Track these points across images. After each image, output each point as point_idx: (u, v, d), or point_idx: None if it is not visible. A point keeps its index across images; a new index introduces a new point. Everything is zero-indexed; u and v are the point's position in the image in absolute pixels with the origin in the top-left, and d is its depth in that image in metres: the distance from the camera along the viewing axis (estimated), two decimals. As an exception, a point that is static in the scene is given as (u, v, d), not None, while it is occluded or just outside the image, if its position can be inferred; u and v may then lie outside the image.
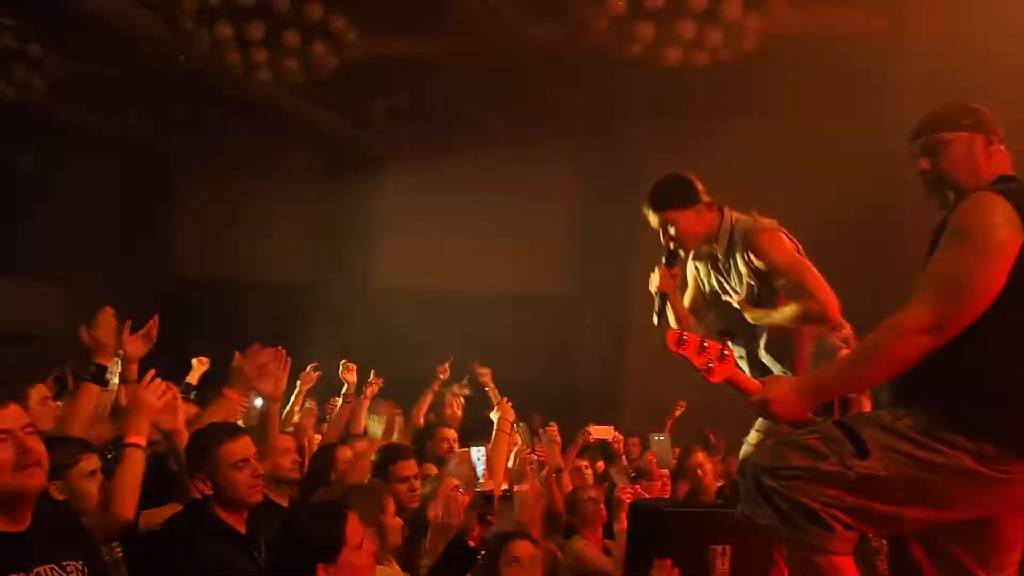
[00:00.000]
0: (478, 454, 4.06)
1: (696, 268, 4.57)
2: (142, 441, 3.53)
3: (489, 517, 3.63)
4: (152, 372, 3.73)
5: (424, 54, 11.97)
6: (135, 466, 3.47)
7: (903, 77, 9.15)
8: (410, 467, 4.91)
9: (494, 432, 5.77)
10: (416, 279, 15.29)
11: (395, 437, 7.02)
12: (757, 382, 3.27)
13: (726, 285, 4.34)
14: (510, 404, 6.06)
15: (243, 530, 3.57)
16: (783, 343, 4.22)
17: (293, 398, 6.54)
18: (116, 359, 4.43)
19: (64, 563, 2.81)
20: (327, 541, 3.12)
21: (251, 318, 13.99)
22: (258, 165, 16.33)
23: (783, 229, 4.25)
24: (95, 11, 10.95)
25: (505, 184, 14.61)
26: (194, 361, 6.48)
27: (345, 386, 6.72)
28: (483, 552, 3.80)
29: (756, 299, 4.22)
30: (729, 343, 3.24)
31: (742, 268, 4.22)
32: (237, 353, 4.45)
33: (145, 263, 17.22)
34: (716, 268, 4.39)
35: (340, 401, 6.79)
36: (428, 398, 7.90)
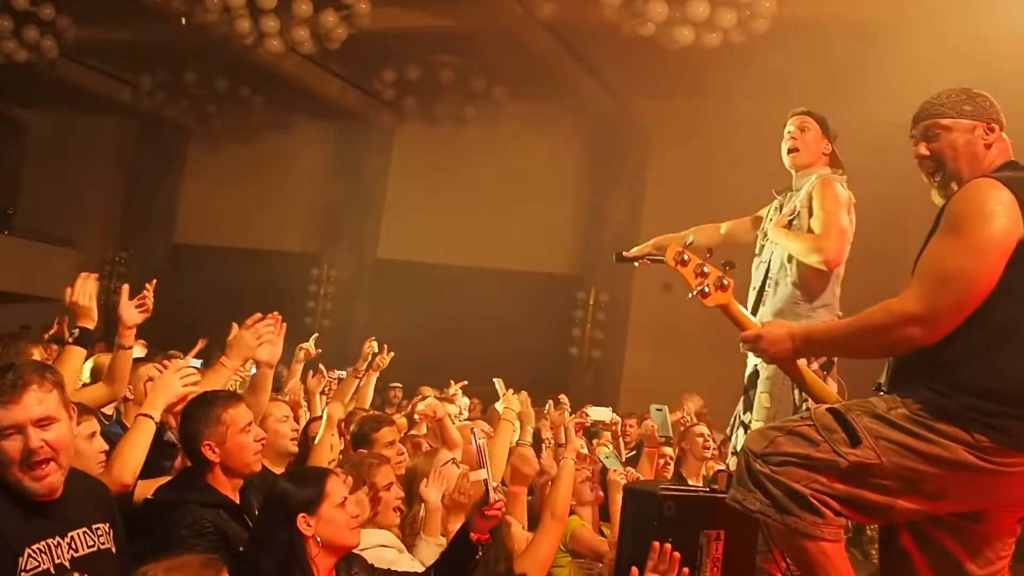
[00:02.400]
0: (480, 439, 3.87)
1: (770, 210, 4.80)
2: (156, 416, 3.55)
3: (485, 510, 3.55)
4: (185, 361, 3.75)
5: (435, 27, 11.93)
6: (144, 436, 3.49)
7: (912, 63, 9.11)
8: (392, 433, 4.97)
9: (499, 423, 5.69)
10: (419, 252, 15.31)
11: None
12: (750, 319, 3.32)
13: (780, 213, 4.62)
14: (516, 395, 5.96)
15: (236, 499, 3.58)
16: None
17: (291, 367, 6.51)
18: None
19: (95, 526, 2.89)
20: (308, 494, 3.17)
21: (253, 286, 14.03)
22: (266, 133, 16.36)
23: (847, 192, 4.50)
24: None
25: (510, 158, 14.61)
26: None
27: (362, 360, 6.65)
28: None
29: (789, 224, 4.52)
30: (729, 274, 3.27)
31: (803, 196, 4.51)
32: (235, 324, 4.45)
33: (152, 227, 17.30)
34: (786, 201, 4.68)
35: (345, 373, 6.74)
36: None
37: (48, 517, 2.74)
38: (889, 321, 2.83)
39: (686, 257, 3.26)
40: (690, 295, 3.25)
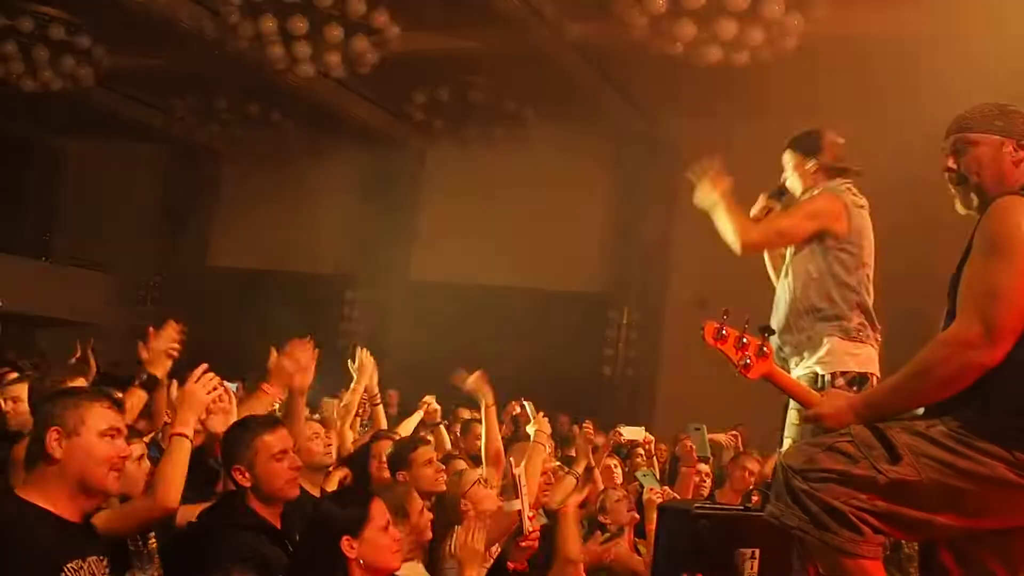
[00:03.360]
0: (517, 470, 3.84)
1: None
2: (189, 432, 3.56)
3: (520, 541, 3.53)
4: (204, 366, 3.77)
5: (464, 49, 12.02)
6: (181, 455, 3.49)
7: (943, 78, 9.08)
8: (429, 451, 5.00)
9: (530, 447, 5.68)
10: (450, 273, 15.34)
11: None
12: (798, 384, 3.28)
13: None
14: (546, 418, 5.95)
15: (278, 524, 3.60)
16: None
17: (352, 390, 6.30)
18: None
19: (101, 557, 2.99)
20: (352, 516, 3.18)
21: (286, 308, 14.11)
22: (297, 156, 16.49)
23: (845, 201, 4.39)
24: (143, 3, 11.10)
25: (541, 178, 14.65)
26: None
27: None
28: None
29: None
30: (769, 341, 3.21)
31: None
32: (274, 350, 4.49)
33: (185, 251, 17.47)
34: None
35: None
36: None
37: (74, 540, 2.89)
38: (947, 352, 2.79)
39: (724, 332, 3.22)
40: (736, 372, 3.21)
